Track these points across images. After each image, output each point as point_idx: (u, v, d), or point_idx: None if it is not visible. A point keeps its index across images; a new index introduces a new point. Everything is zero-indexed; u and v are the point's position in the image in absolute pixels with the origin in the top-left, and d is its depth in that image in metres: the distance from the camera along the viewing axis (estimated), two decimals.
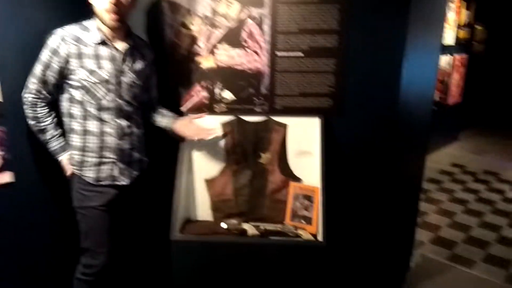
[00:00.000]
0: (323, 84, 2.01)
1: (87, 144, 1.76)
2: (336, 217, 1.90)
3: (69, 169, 1.80)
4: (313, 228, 1.93)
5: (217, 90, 2.06)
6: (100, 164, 1.78)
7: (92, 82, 1.69)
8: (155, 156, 2.05)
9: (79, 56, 1.67)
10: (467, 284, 2.72)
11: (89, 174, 1.78)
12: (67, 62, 1.65)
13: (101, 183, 1.79)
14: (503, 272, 2.86)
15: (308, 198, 1.97)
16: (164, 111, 1.99)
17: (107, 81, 1.71)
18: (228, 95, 2.06)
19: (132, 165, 1.87)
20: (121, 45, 1.74)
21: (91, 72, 1.68)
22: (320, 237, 1.85)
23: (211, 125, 1.99)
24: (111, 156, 1.79)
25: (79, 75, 1.67)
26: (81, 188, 1.79)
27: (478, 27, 5.88)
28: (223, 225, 1.92)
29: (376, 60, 1.97)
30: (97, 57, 1.69)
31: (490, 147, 5.60)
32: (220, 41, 2.00)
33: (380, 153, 2.08)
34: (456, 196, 4.12)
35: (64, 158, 1.79)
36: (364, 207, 2.18)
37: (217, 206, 2.03)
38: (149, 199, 2.15)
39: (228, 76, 2.04)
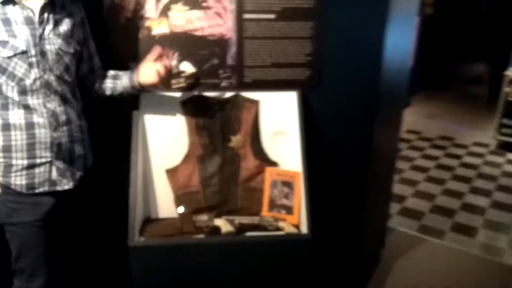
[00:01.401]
0: (299, 52, 1.73)
1: (11, 142, 1.35)
2: (314, 203, 1.67)
3: None
4: (294, 218, 1.70)
5: (173, 62, 1.70)
6: (32, 166, 1.38)
7: (6, 57, 1.28)
8: (101, 145, 1.67)
9: None
10: (439, 256, 2.68)
11: (18, 181, 1.38)
12: None
13: (36, 191, 1.40)
14: (471, 241, 2.86)
15: (288, 184, 1.72)
16: (114, 72, 1.60)
17: (25, 53, 1.30)
18: (187, 67, 1.72)
19: (74, 163, 1.48)
20: (36, 2, 1.32)
21: (2, 43, 1.27)
22: (304, 229, 1.63)
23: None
24: (46, 154, 1.39)
25: None
26: (8, 200, 1.40)
27: None
28: (180, 209, 1.64)
29: (358, 24, 1.71)
30: (5, 22, 1.28)
31: (442, 111, 5.68)
32: (174, 1, 1.63)
33: (361, 128, 1.86)
34: (416, 164, 4.11)
35: None
36: (343, 187, 1.97)
37: (182, 200, 1.72)
38: (99, 198, 1.79)
39: (186, 44, 1.68)
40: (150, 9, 1.65)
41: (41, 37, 1.32)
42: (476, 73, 6.98)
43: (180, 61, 1.70)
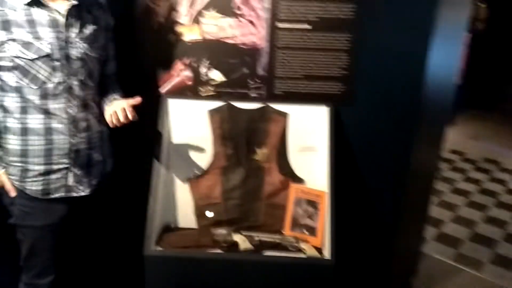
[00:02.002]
0: (333, 65, 1.64)
1: (28, 147, 1.34)
2: (342, 226, 1.57)
3: (8, 186, 1.37)
4: (317, 240, 1.60)
5: (203, 69, 1.67)
6: (48, 173, 1.36)
7: (29, 59, 1.26)
8: (123, 151, 1.66)
9: (5, 24, 1.23)
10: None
11: (34, 186, 1.36)
12: None
13: (51, 196, 1.39)
14: None
15: (313, 204, 1.63)
16: (114, 94, 1.50)
17: (49, 56, 1.28)
18: (216, 75, 1.68)
19: (92, 170, 1.46)
20: (62, 4, 1.29)
21: (26, 45, 1.25)
22: (326, 253, 1.53)
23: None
24: (63, 160, 1.37)
25: (9, 51, 1.24)
26: (22, 204, 1.39)
27: (482, 5, 5.54)
28: (209, 213, 1.62)
29: (400, 37, 1.60)
30: (31, 23, 1.26)
31: (488, 132, 5.35)
32: (207, 7, 1.60)
33: (398, 150, 1.74)
34: (458, 186, 3.87)
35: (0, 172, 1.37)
36: (373, 210, 1.85)
37: (202, 212, 1.67)
38: (118, 204, 1.77)
39: (217, 52, 1.64)
40: (183, 15, 1.62)
41: (67, 40, 1.31)
42: None
43: (209, 68, 1.66)
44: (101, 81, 1.49)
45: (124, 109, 1.33)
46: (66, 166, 1.38)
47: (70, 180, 1.40)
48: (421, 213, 2.25)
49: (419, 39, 1.58)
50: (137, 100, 1.36)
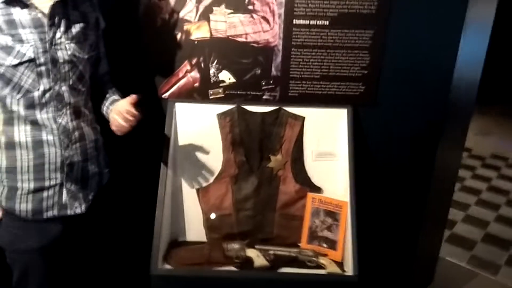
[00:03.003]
0: (353, 63, 1.51)
1: (17, 163, 1.19)
2: (361, 237, 1.46)
3: None
4: (338, 255, 1.49)
5: (212, 70, 1.53)
6: (39, 190, 1.22)
7: (10, 66, 1.11)
8: (126, 160, 1.53)
9: None
10: None
11: (23, 206, 1.22)
12: None
13: (43, 216, 1.24)
14: None
15: (332, 214, 1.51)
16: (111, 92, 1.38)
17: (33, 61, 1.13)
18: (226, 76, 1.55)
19: (88, 184, 1.31)
20: (45, 2, 1.13)
21: (6, 49, 1.10)
22: (349, 268, 1.42)
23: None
24: (56, 176, 1.23)
25: None
26: (11, 226, 1.24)
27: None
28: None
29: (427, 33, 1.48)
30: (10, 24, 1.10)
31: (496, 127, 5.24)
32: (216, 2, 1.46)
33: (422, 152, 1.62)
34: (466, 184, 3.77)
35: None
36: (394, 219, 1.74)
37: (212, 224, 1.55)
38: (120, 218, 1.65)
39: (227, 51, 1.51)
40: (190, 11, 1.48)
41: (52, 42, 1.15)
42: None
43: (219, 69, 1.53)
44: (94, 84, 1.34)
45: (129, 110, 1.19)
46: (59, 182, 1.24)
47: (64, 197, 1.25)
48: (442, 218, 2.14)
49: (449, 34, 1.46)
50: (139, 96, 1.22)
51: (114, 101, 1.34)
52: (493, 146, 4.63)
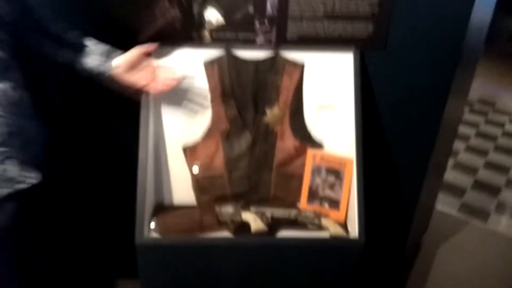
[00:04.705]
0: (362, 1, 1.30)
1: None
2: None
3: None
4: (340, 215, 1.37)
5: (196, 8, 1.29)
6: None
7: None
8: (98, 117, 1.32)
9: None
10: (484, 243, 2.38)
11: None
12: None
13: None
14: None
15: (335, 172, 1.37)
16: (84, 42, 1.16)
17: None
18: (213, 16, 1.31)
19: (31, 148, 1.08)
20: None
21: None
22: (353, 229, 1.31)
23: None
24: None
25: None
26: None
27: None
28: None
29: None
30: None
31: (482, 71, 5.13)
32: None
33: (432, 102, 1.47)
34: None
35: None
36: (398, 174, 1.62)
37: (202, 186, 1.39)
38: (99, 184, 1.46)
39: None
40: None
41: None
42: None
43: (204, 7, 1.29)
44: (36, 38, 1.11)
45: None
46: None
47: (12, 170, 1.03)
48: (442, 169, 2.05)
49: None
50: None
51: (90, 48, 1.13)
52: (480, 91, 4.55)
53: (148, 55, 1.24)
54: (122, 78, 1.19)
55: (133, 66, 1.19)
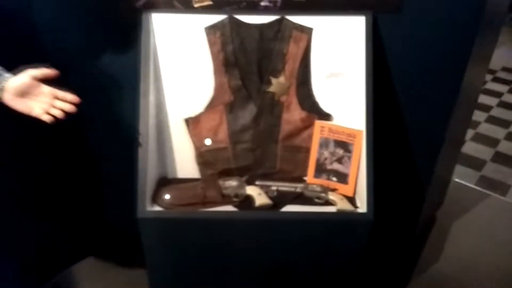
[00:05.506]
0: None
1: None
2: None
3: None
4: (349, 189, 1.32)
5: None
6: None
7: None
8: (94, 89, 1.27)
9: None
10: (503, 216, 2.29)
11: None
12: None
13: None
14: None
15: (343, 145, 1.31)
16: None
17: None
18: None
19: None
20: None
21: None
22: (362, 203, 1.25)
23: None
24: None
25: None
26: None
27: None
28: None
29: None
30: None
31: (507, 38, 4.88)
32: None
33: (450, 69, 1.37)
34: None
35: None
36: (412, 146, 1.55)
37: (205, 159, 1.35)
38: (98, 156, 1.43)
39: None
40: None
41: None
42: None
43: None
44: None
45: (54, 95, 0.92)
46: None
47: None
48: (460, 141, 1.95)
49: None
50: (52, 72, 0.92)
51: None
52: (504, 59, 4.33)
53: (43, 81, 0.98)
54: (11, 104, 0.96)
55: (23, 93, 0.96)
